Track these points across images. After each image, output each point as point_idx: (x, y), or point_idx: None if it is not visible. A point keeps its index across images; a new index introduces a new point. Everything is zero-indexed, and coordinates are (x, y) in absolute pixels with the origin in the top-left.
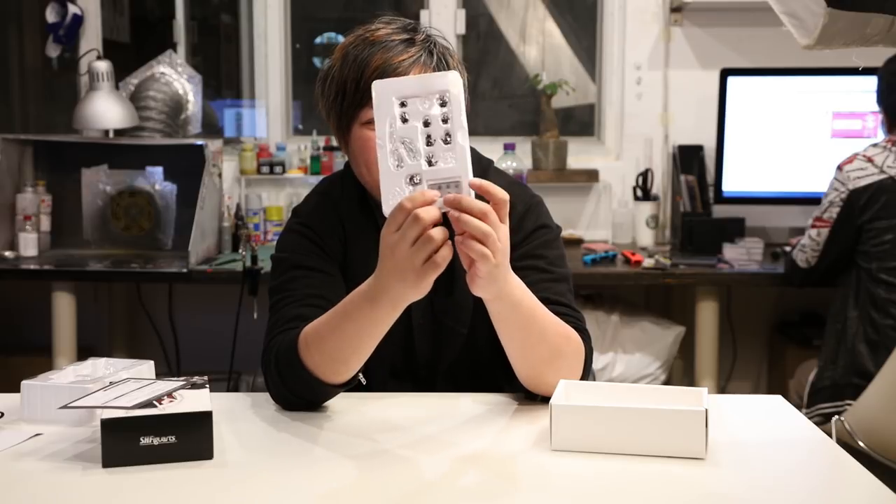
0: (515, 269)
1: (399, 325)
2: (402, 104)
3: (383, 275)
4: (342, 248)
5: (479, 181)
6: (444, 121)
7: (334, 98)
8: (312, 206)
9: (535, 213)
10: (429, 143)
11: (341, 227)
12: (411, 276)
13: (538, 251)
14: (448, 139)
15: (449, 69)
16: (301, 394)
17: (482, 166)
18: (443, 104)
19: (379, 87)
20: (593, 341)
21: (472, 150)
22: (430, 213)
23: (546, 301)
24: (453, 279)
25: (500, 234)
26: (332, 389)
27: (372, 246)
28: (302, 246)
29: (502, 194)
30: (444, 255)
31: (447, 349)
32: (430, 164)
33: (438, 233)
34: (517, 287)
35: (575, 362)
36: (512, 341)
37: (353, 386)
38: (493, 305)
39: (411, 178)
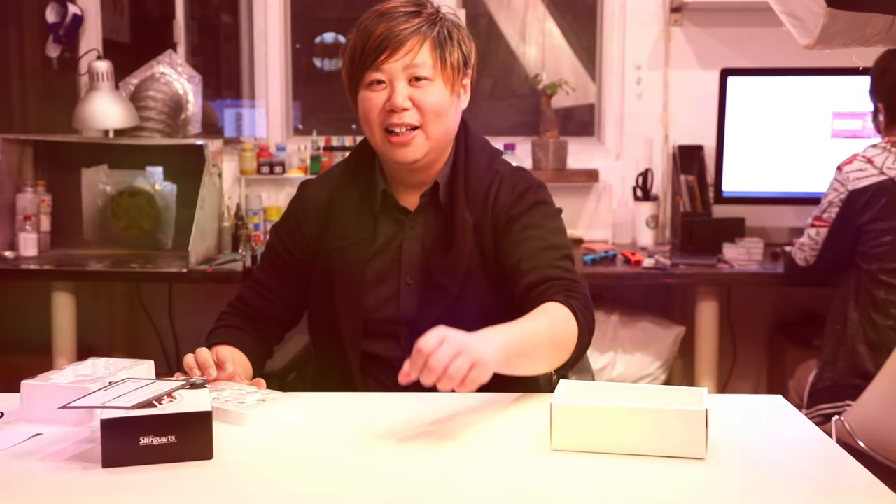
0: (514, 240)
1: (389, 284)
2: None
3: None
4: (323, 222)
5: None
6: None
7: (348, 64)
8: (317, 179)
9: (535, 192)
10: None
11: (328, 200)
12: None
13: (537, 221)
14: None
15: (453, 42)
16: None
17: (488, 153)
18: None
19: None
20: (593, 342)
21: (480, 138)
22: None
23: (539, 280)
24: (452, 239)
25: (441, 351)
26: None
27: (361, 206)
28: (285, 226)
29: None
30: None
31: (433, 307)
32: None
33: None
34: (501, 347)
35: (570, 342)
36: (526, 371)
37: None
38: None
39: None
